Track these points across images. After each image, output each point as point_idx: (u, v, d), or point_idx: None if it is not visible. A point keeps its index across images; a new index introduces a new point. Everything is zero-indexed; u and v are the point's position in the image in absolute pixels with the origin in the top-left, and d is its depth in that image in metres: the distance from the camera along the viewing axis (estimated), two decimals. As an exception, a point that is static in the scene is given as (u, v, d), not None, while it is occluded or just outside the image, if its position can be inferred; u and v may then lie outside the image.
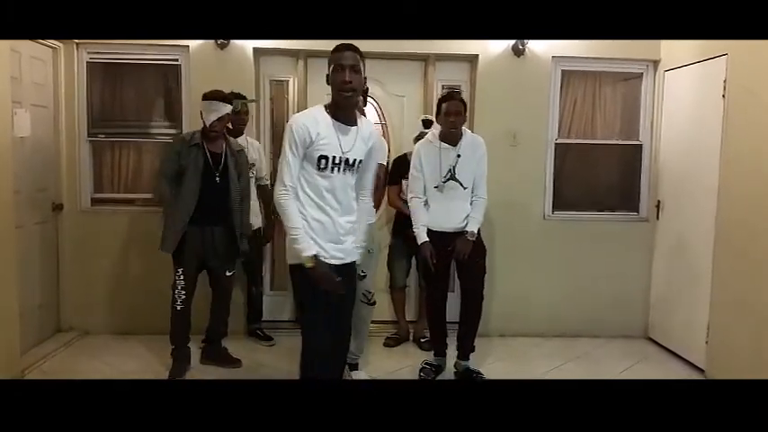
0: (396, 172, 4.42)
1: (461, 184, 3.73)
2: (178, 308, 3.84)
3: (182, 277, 3.82)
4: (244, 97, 4.34)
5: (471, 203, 3.79)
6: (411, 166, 3.85)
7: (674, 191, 4.65)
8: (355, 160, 2.67)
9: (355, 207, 2.80)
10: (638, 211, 5.01)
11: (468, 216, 3.77)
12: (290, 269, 2.73)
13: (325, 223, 2.65)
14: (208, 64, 4.56)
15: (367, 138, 2.73)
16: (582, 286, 4.90)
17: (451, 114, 3.70)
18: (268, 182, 4.54)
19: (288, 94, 4.86)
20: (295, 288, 2.76)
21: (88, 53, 4.62)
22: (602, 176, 5.08)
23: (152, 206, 4.46)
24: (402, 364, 4.20)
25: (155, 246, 3.91)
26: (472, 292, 3.86)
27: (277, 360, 4.29)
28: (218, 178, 3.82)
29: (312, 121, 2.56)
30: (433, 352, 4.05)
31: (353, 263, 2.86)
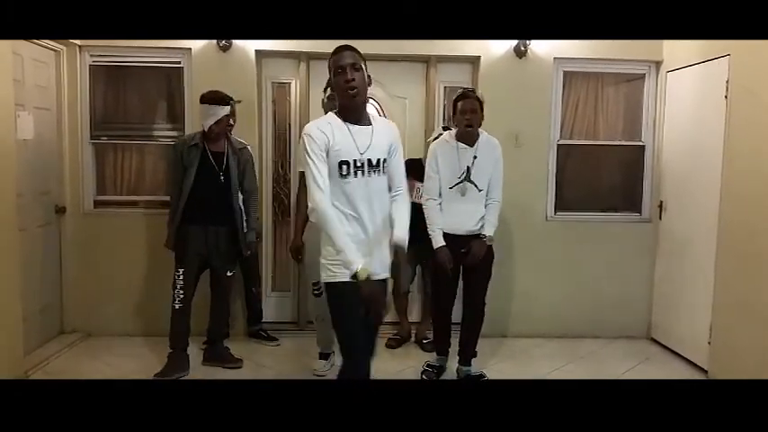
0: None
1: (476, 186, 3.69)
2: (177, 306, 3.86)
3: (181, 277, 3.84)
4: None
5: (486, 206, 3.75)
6: (426, 166, 3.81)
7: (677, 191, 4.65)
8: (378, 160, 2.52)
9: (389, 212, 2.60)
10: (640, 212, 5.01)
11: (481, 219, 3.73)
12: (325, 288, 2.57)
13: (358, 235, 2.48)
14: (210, 66, 4.57)
15: (385, 134, 2.58)
16: (584, 287, 4.89)
17: (467, 112, 3.65)
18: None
19: (290, 97, 4.87)
20: (330, 305, 2.58)
21: (91, 56, 4.63)
22: (604, 177, 5.08)
23: (155, 208, 4.48)
24: (404, 365, 4.20)
25: (158, 248, 3.94)
26: (477, 297, 3.85)
27: (279, 361, 4.29)
28: (222, 177, 3.84)
29: (326, 126, 2.47)
30: (435, 352, 4.05)
31: (386, 279, 2.59)
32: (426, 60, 4.78)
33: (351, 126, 2.49)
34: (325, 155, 2.43)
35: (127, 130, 4.76)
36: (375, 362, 2.64)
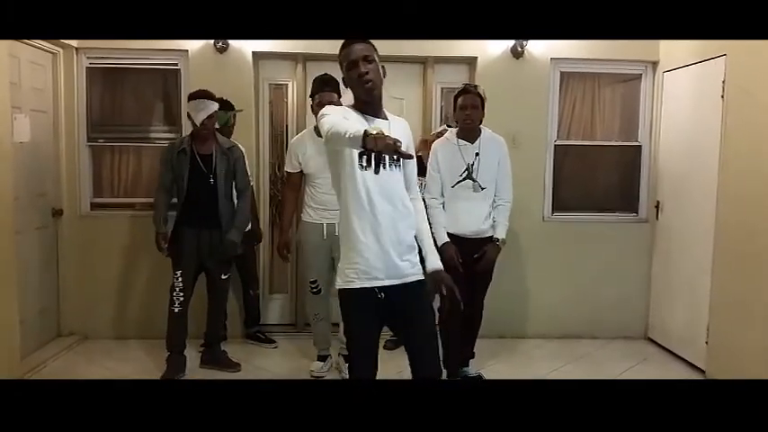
0: None
1: (479, 184, 3.65)
2: (176, 310, 3.85)
3: (180, 279, 3.83)
4: (232, 107, 4.35)
5: (496, 208, 3.71)
6: (428, 165, 3.77)
7: (674, 191, 4.66)
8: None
9: (412, 210, 2.44)
10: (637, 212, 5.02)
11: (487, 219, 3.69)
12: (339, 294, 2.42)
13: (380, 234, 2.29)
14: (207, 68, 4.56)
15: (402, 132, 2.41)
16: (582, 287, 4.90)
17: (467, 108, 3.61)
18: (253, 184, 4.52)
19: (287, 98, 4.87)
20: (343, 313, 2.46)
21: (87, 58, 4.63)
22: (601, 178, 5.08)
23: (152, 210, 4.46)
24: (402, 366, 4.18)
25: (155, 250, 3.92)
26: (476, 299, 3.81)
27: (277, 363, 4.28)
28: (211, 180, 3.82)
29: (346, 113, 2.33)
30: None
31: (420, 282, 2.41)
32: (423, 61, 4.78)
33: (369, 118, 2.35)
34: (349, 119, 2.24)
35: (124, 133, 4.75)
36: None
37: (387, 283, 2.31)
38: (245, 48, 4.59)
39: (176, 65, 4.66)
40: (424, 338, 2.41)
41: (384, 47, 2.20)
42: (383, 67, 2.38)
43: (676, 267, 4.57)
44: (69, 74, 4.57)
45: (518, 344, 4.72)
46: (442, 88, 4.89)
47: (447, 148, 3.69)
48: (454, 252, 3.57)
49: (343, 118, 2.23)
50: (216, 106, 3.86)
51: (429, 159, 3.81)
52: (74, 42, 4.52)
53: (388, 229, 2.30)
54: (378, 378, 2.43)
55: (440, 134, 4.01)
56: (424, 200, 2.81)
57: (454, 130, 3.78)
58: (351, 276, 2.33)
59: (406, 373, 2.44)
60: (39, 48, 4.29)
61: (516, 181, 4.46)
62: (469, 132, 3.66)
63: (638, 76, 4.94)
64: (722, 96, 3.97)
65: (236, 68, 4.59)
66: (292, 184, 3.98)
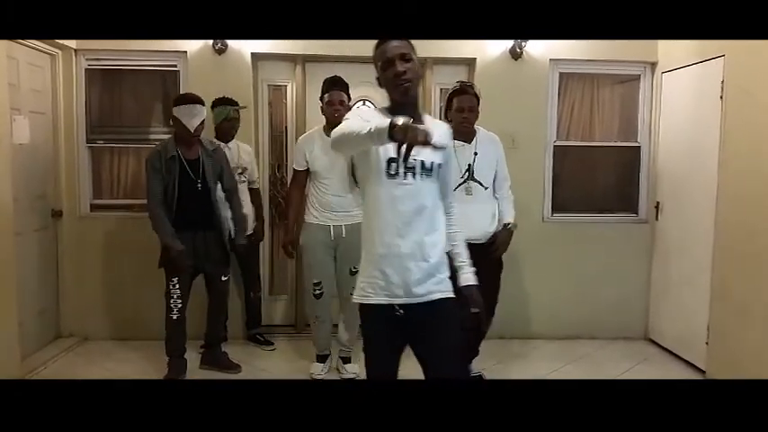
0: None
1: (481, 184, 3.61)
2: (174, 317, 3.82)
3: (177, 286, 3.80)
4: (236, 103, 4.35)
5: (498, 203, 3.70)
6: None
7: (673, 192, 4.66)
8: (432, 164, 2.17)
9: (441, 225, 2.25)
10: (636, 213, 5.02)
11: (493, 219, 3.66)
12: (359, 309, 2.28)
13: (402, 247, 2.13)
14: (206, 69, 4.56)
15: (441, 136, 2.17)
16: (581, 288, 4.90)
17: (464, 110, 3.54)
18: (260, 185, 4.56)
19: (286, 99, 4.87)
20: (363, 330, 2.33)
21: (86, 60, 4.63)
22: (600, 178, 5.09)
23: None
24: (402, 365, 4.18)
25: (154, 251, 3.91)
26: (487, 301, 3.78)
27: (277, 365, 4.28)
28: (199, 185, 3.79)
29: (376, 115, 2.17)
30: None
31: (447, 300, 2.21)
32: (422, 62, 4.77)
33: None
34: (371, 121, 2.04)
35: (123, 134, 4.75)
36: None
37: (406, 300, 2.14)
38: (244, 49, 4.59)
39: (175, 66, 4.66)
40: (448, 360, 2.22)
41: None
42: (421, 65, 2.23)
43: (676, 268, 4.57)
44: (68, 75, 4.57)
45: (518, 345, 4.72)
46: (441, 89, 4.88)
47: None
48: None
49: (364, 120, 2.04)
50: (205, 111, 3.86)
51: None
52: (72, 44, 4.52)
53: (412, 244, 2.13)
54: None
55: None
56: None
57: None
58: (368, 291, 2.19)
59: (406, 376, 2.41)
60: (37, 49, 4.29)
61: (515, 182, 4.46)
62: (466, 132, 3.59)
63: (637, 77, 4.95)
64: (721, 97, 3.97)
65: (235, 69, 4.60)
66: (298, 182, 3.97)
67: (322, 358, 4.07)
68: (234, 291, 4.61)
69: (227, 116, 4.28)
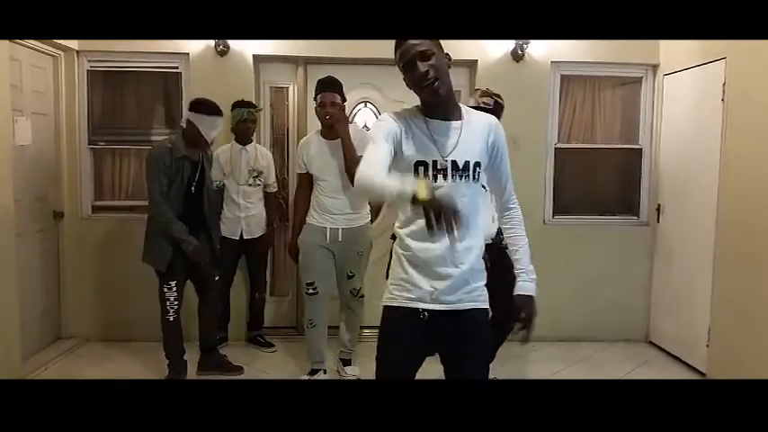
0: None
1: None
2: (171, 318, 3.81)
3: (174, 289, 3.79)
4: (253, 106, 4.40)
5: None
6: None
7: (675, 194, 4.66)
8: (467, 163, 2.04)
9: (479, 229, 2.16)
10: (638, 215, 5.01)
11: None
12: (382, 311, 2.15)
13: (432, 251, 2.02)
14: (208, 71, 4.57)
15: (480, 132, 2.10)
16: (582, 290, 4.89)
17: None
18: (276, 189, 4.57)
19: (288, 101, 4.88)
20: (379, 333, 2.18)
21: (88, 61, 4.64)
22: (602, 181, 5.08)
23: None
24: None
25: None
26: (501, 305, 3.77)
27: (279, 367, 4.28)
28: (193, 188, 3.81)
29: (402, 119, 2.06)
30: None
31: (479, 310, 2.12)
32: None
33: (433, 121, 2.06)
34: (391, 141, 1.99)
35: (124, 136, 4.76)
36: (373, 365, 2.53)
37: (432, 306, 2.03)
38: (246, 51, 4.60)
39: (177, 68, 4.67)
40: (475, 372, 2.14)
41: (384, 49, 2.19)
42: (448, 55, 2.11)
43: (677, 270, 4.57)
44: (70, 77, 4.58)
45: (518, 347, 4.66)
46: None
47: None
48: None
49: (389, 138, 1.98)
50: (222, 122, 3.90)
51: None
52: (75, 45, 4.53)
53: (444, 249, 2.01)
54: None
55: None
56: None
57: None
58: (394, 294, 2.09)
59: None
60: (40, 51, 4.30)
61: (517, 184, 4.44)
62: None
63: (639, 80, 4.94)
64: (722, 99, 3.97)
65: (237, 71, 4.60)
66: (301, 185, 3.97)
67: (314, 372, 3.90)
68: (236, 292, 4.62)
69: (241, 118, 4.32)
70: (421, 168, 2.01)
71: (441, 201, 1.70)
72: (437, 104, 2.07)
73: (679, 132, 4.59)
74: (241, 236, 4.39)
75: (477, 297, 2.11)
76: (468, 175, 2.05)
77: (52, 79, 4.50)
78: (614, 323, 4.90)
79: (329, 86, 3.77)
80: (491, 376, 3.83)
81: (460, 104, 2.17)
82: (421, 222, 1.85)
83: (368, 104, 4.90)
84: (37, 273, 4.33)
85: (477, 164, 2.07)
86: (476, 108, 3.20)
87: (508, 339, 4.70)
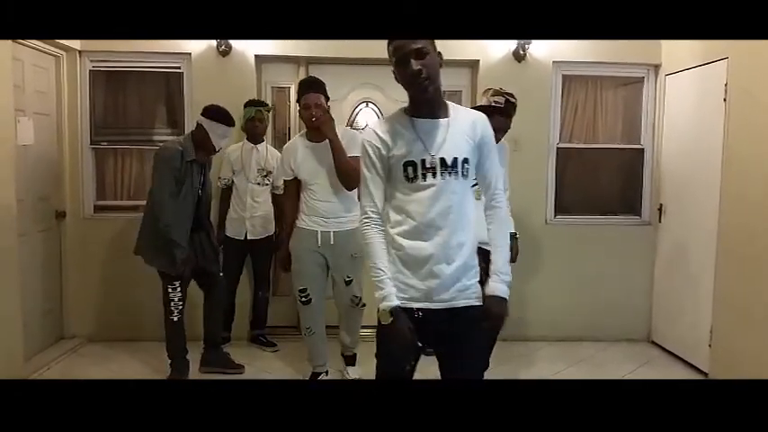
0: None
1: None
2: (175, 319, 3.83)
3: (178, 289, 3.80)
4: (263, 104, 4.44)
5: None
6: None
7: (677, 194, 4.65)
8: (456, 160, 2.07)
9: (470, 225, 2.15)
10: (640, 215, 5.01)
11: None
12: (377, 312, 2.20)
13: (424, 249, 2.06)
14: (209, 71, 4.58)
15: (467, 128, 2.13)
16: (584, 290, 4.89)
17: (499, 131, 3.32)
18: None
19: (289, 101, 4.88)
20: (378, 333, 2.21)
21: (91, 61, 4.65)
22: (603, 180, 5.08)
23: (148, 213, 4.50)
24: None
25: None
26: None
27: (280, 366, 4.28)
28: (200, 191, 3.85)
29: (386, 128, 2.12)
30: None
31: (473, 308, 2.13)
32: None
33: (419, 120, 2.11)
34: (380, 165, 2.09)
35: (127, 135, 4.77)
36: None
37: (426, 305, 2.07)
38: (248, 51, 4.61)
39: (179, 68, 4.68)
40: (469, 371, 2.16)
41: (385, 48, 2.19)
42: (440, 54, 2.11)
43: (679, 270, 4.57)
44: (72, 77, 4.59)
45: (520, 347, 4.71)
46: (444, 91, 4.85)
47: None
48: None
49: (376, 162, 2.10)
50: (233, 131, 3.93)
51: None
52: (77, 45, 4.54)
53: (436, 246, 2.05)
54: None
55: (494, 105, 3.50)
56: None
57: None
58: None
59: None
60: (42, 51, 4.31)
61: (518, 184, 4.47)
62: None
63: (641, 79, 4.94)
64: (724, 99, 3.96)
65: (239, 71, 4.61)
66: (289, 192, 3.82)
67: (316, 375, 3.87)
68: (240, 291, 4.63)
69: (249, 116, 4.36)
70: (410, 168, 2.05)
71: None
72: (424, 103, 2.11)
73: (681, 132, 4.59)
74: (245, 236, 4.40)
75: (471, 294, 2.13)
76: (458, 172, 2.07)
77: (54, 79, 4.51)
78: (616, 323, 4.90)
79: (312, 87, 3.61)
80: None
81: (447, 102, 2.20)
82: (412, 222, 2.04)
83: (369, 104, 4.90)
84: (39, 272, 4.34)
85: (466, 160, 2.09)
86: (487, 107, 3.34)
87: (508, 340, 4.73)
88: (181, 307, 3.83)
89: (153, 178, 3.75)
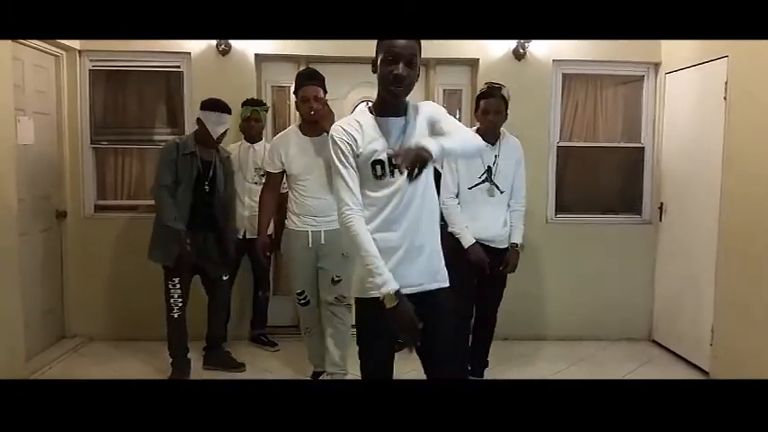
0: None
1: (498, 187, 3.52)
2: (176, 315, 3.84)
3: (177, 286, 3.82)
4: (260, 103, 4.43)
5: (511, 213, 3.66)
6: (445, 162, 3.58)
7: (677, 193, 4.65)
8: None
9: (436, 210, 2.31)
10: (640, 214, 5.01)
11: (505, 223, 3.64)
12: (355, 302, 2.30)
13: (398, 242, 2.18)
14: (209, 71, 4.58)
15: (422, 120, 2.24)
16: (585, 289, 4.89)
17: (490, 113, 3.48)
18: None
19: (289, 101, 4.87)
20: (357, 323, 2.32)
21: (90, 61, 4.65)
22: (604, 179, 5.08)
23: (154, 212, 4.49)
24: (409, 367, 4.18)
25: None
26: (492, 308, 3.82)
27: (281, 365, 4.28)
28: (207, 186, 3.84)
29: (354, 126, 2.20)
30: None
31: (442, 290, 2.29)
32: (425, 63, 4.79)
33: (382, 119, 2.22)
34: (353, 160, 2.17)
35: (127, 135, 4.77)
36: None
37: (405, 291, 2.13)
38: (248, 50, 4.60)
39: (179, 67, 4.68)
40: (444, 348, 2.29)
41: (385, 49, 2.19)
42: (419, 67, 2.21)
43: (680, 269, 4.56)
44: (72, 76, 4.59)
45: (520, 346, 4.71)
46: (444, 90, 4.90)
47: None
48: (481, 254, 3.48)
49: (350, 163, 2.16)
50: (230, 119, 3.92)
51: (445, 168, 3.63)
52: (77, 45, 4.54)
53: (404, 236, 2.18)
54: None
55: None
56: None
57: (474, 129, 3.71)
58: (366, 285, 2.16)
59: (409, 376, 2.41)
60: (42, 50, 4.31)
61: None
62: (490, 134, 3.51)
63: (641, 78, 4.94)
64: (725, 98, 3.96)
65: (239, 71, 4.61)
66: (272, 185, 3.70)
67: (317, 374, 3.86)
68: (240, 291, 4.63)
69: (244, 116, 4.36)
70: (378, 166, 2.17)
71: (404, 313, 2.06)
72: (391, 104, 2.22)
73: (681, 131, 4.58)
74: (244, 235, 4.40)
75: (440, 278, 2.29)
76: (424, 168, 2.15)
77: (54, 79, 4.51)
78: (617, 322, 4.90)
79: (311, 79, 3.50)
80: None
81: (407, 100, 2.26)
82: (382, 215, 2.17)
83: (369, 103, 4.86)
84: (40, 272, 4.34)
85: None
86: (478, 96, 3.55)
87: (509, 339, 4.73)
88: (181, 304, 3.84)
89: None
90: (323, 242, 3.56)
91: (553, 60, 4.75)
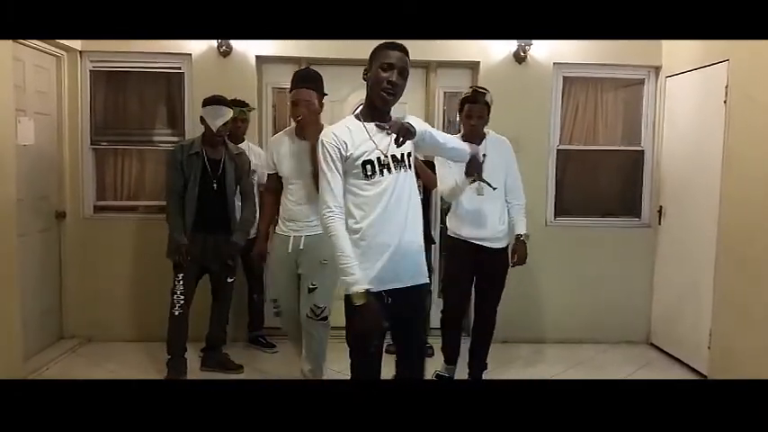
0: None
1: (489, 184, 3.38)
2: (176, 312, 3.85)
3: (181, 282, 3.83)
4: (245, 104, 4.37)
5: (510, 208, 3.70)
6: (438, 164, 3.63)
7: (677, 196, 4.65)
8: (404, 155, 2.36)
9: (419, 208, 2.46)
10: (640, 217, 5.01)
11: (501, 224, 3.68)
12: (344, 299, 2.32)
13: (382, 237, 2.31)
14: (210, 72, 4.58)
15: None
16: (584, 292, 4.89)
17: (473, 118, 3.57)
18: None
19: (289, 102, 4.87)
20: (347, 320, 2.37)
21: (91, 61, 4.65)
22: (603, 182, 5.08)
23: (154, 213, 4.49)
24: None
25: (157, 253, 3.93)
26: (490, 308, 3.83)
27: (279, 367, 4.28)
28: (215, 185, 3.85)
29: (344, 131, 2.33)
30: (444, 362, 3.92)
31: (424, 285, 2.48)
32: (426, 66, 4.79)
33: (369, 125, 2.36)
34: (340, 165, 2.30)
35: (127, 136, 4.77)
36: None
37: (395, 286, 2.33)
38: (249, 51, 4.61)
39: (180, 68, 4.68)
40: (417, 341, 2.51)
41: (385, 50, 2.20)
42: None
43: (679, 272, 4.56)
44: (73, 77, 4.59)
45: (519, 348, 4.71)
46: (445, 92, 4.90)
47: None
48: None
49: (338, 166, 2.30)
50: (231, 113, 3.92)
51: (438, 159, 3.65)
52: (78, 45, 4.54)
53: (396, 233, 2.33)
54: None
55: None
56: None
57: (459, 134, 3.73)
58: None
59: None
60: (43, 51, 4.31)
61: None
62: (474, 137, 3.57)
63: (641, 81, 4.94)
64: (725, 101, 3.96)
65: (240, 72, 4.61)
66: (270, 187, 3.60)
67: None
68: (235, 293, 4.61)
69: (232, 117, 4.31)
70: (368, 166, 2.31)
71: (371, 311, 2.21)
72: (378, 111, 2.38)
73: (681, 134, 4.59)
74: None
75: (423, 271, 2.48)
76: (406, 165, 2.38)
77: (55, 79, 4.51)
78: (615, 325, 4.90)
79: (304, 81, 3.33)
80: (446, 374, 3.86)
81: (391, 114, 2.44)
82: (373, 213, 2.30)
83: (356, 110, 4.87)
84: (39, 272, 4.34)
85: (409, 154, 2.41)
86: (462, 100, 3.66)
87: (508, 341, 4.73)
88: (182, 302, 3.84)
89: None
90: (302, 247, 3.40)
91: (554, 63, 4.76)
